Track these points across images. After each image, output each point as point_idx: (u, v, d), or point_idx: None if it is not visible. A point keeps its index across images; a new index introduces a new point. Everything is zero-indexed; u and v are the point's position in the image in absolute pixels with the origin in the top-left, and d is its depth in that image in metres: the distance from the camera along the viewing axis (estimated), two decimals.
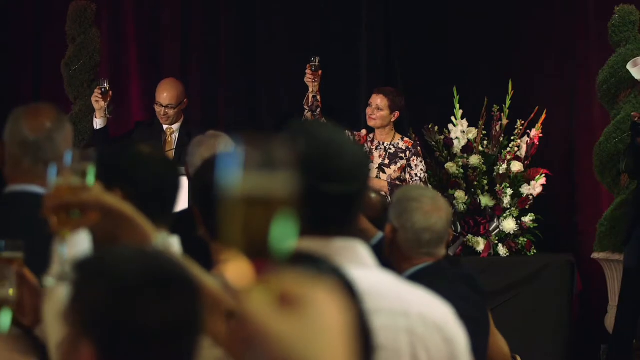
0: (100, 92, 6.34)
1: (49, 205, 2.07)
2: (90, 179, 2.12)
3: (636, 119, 5.99)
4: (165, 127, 6.45)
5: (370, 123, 6.47)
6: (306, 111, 6.52)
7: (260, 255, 1.14)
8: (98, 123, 6.40)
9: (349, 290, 1.65)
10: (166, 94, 6.40)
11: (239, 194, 1.16)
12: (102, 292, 1.49)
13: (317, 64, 6.46)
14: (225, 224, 1.16)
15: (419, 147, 6.54)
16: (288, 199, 1.19)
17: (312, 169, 1.82)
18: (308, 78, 6.48)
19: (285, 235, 1.18)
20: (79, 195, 2.06)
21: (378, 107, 6.44)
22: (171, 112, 6.39)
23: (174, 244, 2.46)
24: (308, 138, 1.87)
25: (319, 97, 6.50)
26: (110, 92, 6.39)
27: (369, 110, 6.49)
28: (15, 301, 2.17)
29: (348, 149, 1.89)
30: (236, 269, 1.11)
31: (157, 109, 6.42)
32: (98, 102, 6.35)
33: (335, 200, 1.86)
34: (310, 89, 6.50)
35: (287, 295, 1.08)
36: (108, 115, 6.40)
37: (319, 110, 6.51)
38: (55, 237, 2.13)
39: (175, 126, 6.46)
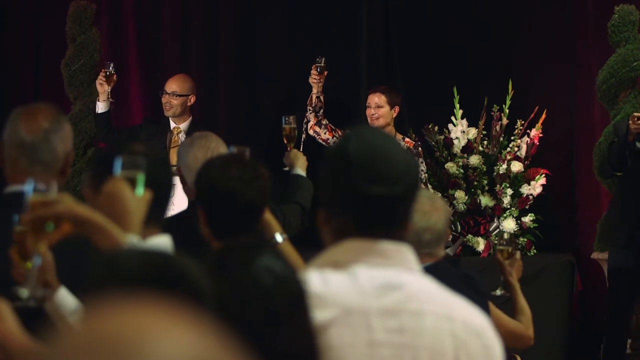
0: (104, 75, 6.33)
1: (25, 220, 2.20)
2: (140, 188, 2.18)
3: (637, 119, 5.97)
4: (172, 125, 6.46)
5: (374, 123, 6.35)
6: (309, 111, 6.48)
7: None
8: (100, 107, 6.39)
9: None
10: (171, 83, 6.47)
11: None
12: (109, 290, 1.49)
13: (322, 64, 6.39)
14: None
15: (420, 148, 6.53)
16: None
17: (359, 171, 1.90)
18: (313, 79, 6.42)
19: None
20: (52, 207, 2.16)
21: (378, 105, 6.40)
22: (174, 101, 6.40)
23: (166, 242, 2.46)
24: (356, 141, 1.94)
25: (322, 98, 6.47)
26: (115, 77, 6.36)
27: (369, 111, 6.43)
28: None
29: (395, 153, 1.94)
30: None
31: (163, 99, 6.43)
32: (102, 85, 6.34)
33: (379, 202, 1.91)
34: (315, 90, 6.45)
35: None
36: (111, 99, 6.39)
37: (322, 111, 6.47)
38: (33, 249, 2.23)
39: (183, 126, 6.46)
